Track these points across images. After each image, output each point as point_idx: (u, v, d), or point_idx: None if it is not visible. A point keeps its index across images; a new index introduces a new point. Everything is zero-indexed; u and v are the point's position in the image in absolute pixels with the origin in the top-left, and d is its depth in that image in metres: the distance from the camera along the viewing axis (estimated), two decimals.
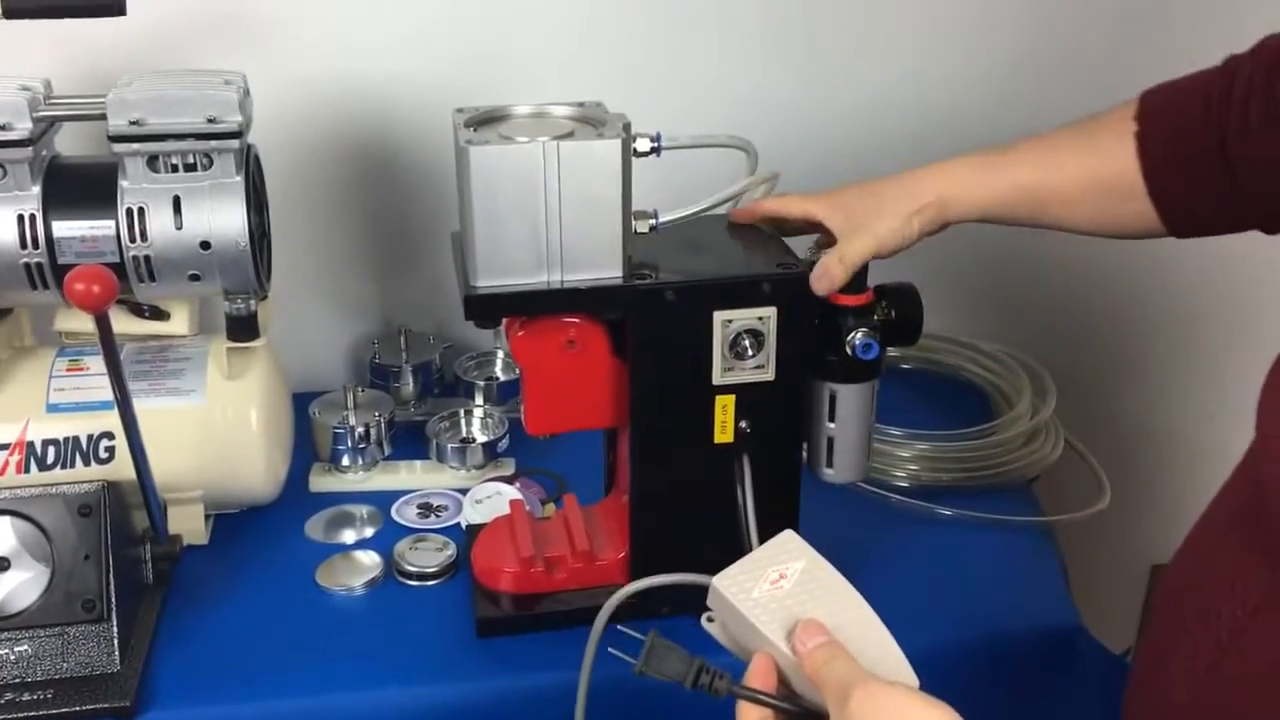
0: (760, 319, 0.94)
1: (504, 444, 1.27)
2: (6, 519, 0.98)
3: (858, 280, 0.96)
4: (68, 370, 1.10)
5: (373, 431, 1.23)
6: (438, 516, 1.19)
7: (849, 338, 0.96)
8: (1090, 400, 1.50)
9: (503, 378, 1.38)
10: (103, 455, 1.07)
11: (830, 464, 1.01)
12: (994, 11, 1.41)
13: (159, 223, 1.03)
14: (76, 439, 1.07)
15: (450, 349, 1.40)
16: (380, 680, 0.98)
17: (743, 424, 0.97)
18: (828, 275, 0.94)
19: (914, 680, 0.71)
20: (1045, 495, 1.25)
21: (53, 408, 1.08)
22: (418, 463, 1.26)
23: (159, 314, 1.14)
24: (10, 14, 1.05)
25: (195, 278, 1.05)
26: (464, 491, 1.22)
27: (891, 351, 1.27)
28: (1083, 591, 1.13)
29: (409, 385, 1.35)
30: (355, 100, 1.34)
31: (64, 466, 1.07)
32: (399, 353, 1.36)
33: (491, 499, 1.21)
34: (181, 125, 1.02)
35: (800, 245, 1.01)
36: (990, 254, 1.47)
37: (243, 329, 1.10)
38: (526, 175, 0.89)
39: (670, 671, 0.73)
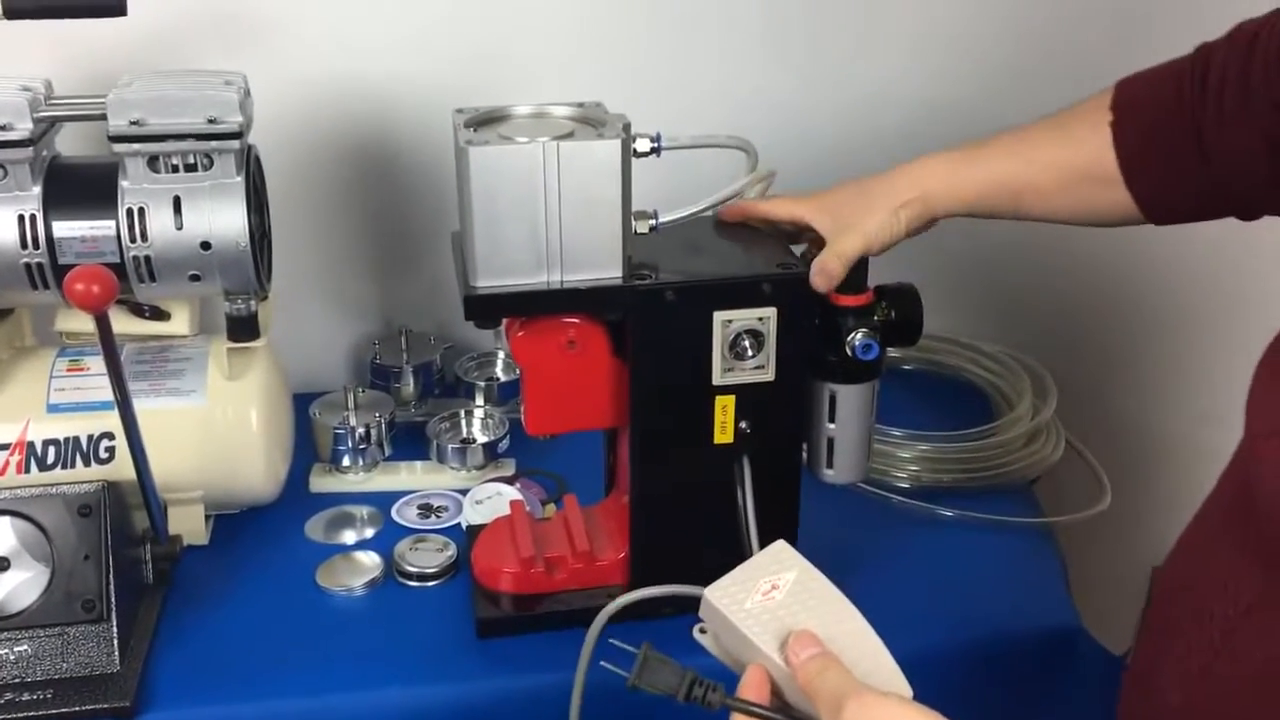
0: (760, 319, 0.94)
1: (504, 444, 1.27)
2: (6, 519, 0.98)
3: (857, 280, 0.96)
4: (68, 370, 1.10)
5: (373, 432, 1.23)
6: (438, 517, 1.19)
7: (849, 338, 0.96)
8: (1091, 401, 1.50)
9: (503, 378, 1.38)
10: (103, 455, 1.07)
11: (830, 465, 1.01)
12: (991, 10, 1.41)
13: (159, 223, 1.03)
14: (77, 439, 1.07)
15: (451, 349, 1.40)
16: (380, 681, 0.98)
17: (743, 424, 0.97)
18: (825, 272, 0.94)
19: (908, 691, 0.70)
20: (1046, 496, 1.25)
21: (53, 408, 1.08)
22: (418, 463, 1.26)
23: (159, 314, 1.14)
24: (11, 14, 1.05)
25: (195, 278, 1.05)
26: (464, 492, 1.22)
27: (892, 352, 1.27)
28: (1083, 592, 1.13)
29: (409, 386, 1.35)
30: (356, 101, 1.34)
31: (64, 466, 1.07)
32: (399, 353, 1.36)
33: (492, 500, 1.21)
34: (182, 125, 1.02)
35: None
36: (991, 255, 1.47)
37: (243, 329, 1.10)
38: (526, 175, 0.89)
39: (663, 685, 0.73)
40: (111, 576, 0.98)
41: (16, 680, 0.95)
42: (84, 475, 1.05)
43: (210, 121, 1.02)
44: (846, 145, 1.41)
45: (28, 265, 1.03)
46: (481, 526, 1.11)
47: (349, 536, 1.16)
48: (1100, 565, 1.39)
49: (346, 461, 1.23)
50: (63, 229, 1.02)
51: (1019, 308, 1.55)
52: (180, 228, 1.04)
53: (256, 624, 1.04)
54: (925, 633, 1.04)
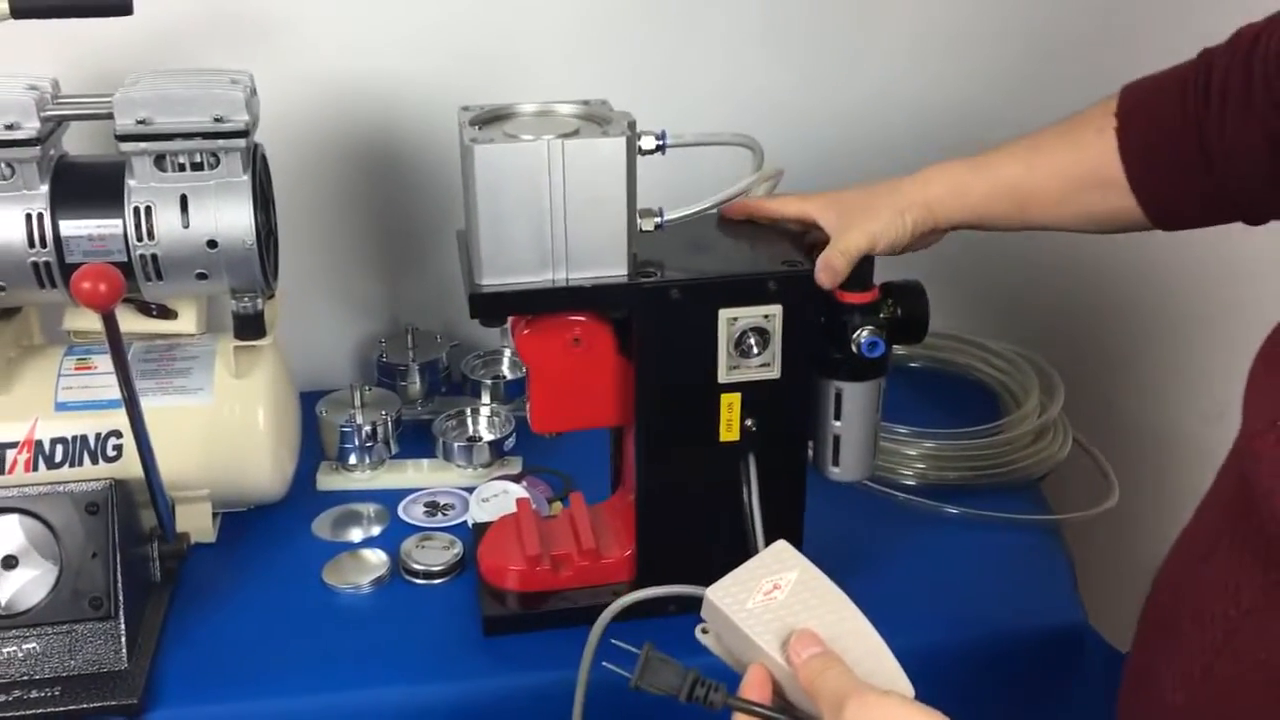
0: (766, 317, 0.94)
1: (511, 442, 1.27)
2: (15, 517, 0.98)
3: (863, 278, 0.96)
4: (76, 369, 1.10)
5: (380, 430, 1.24)
6: (444, 515, 1.19)
7: (855, 335, 0.96)
8: (1098, 399, 1.49)
9: (510, 376, 1.38)
10: (110, 453, 1.08)
11: (836, 462, 1.01)
12: (993, 10, 1.41)
13: (166, 221, 1.04)
14: (84, 437, 1.08)
15: (457, 347, 1.41)
16: (387, 678, 0.98)
17: (748, 422, 0.97)
18: (830, 268, 0.94)
19: (909, 690, 0.70)
20: (1053, 494, 1.25)
21: (61, 406, 1.08)
22: (424, 461, 1.27)
23: (166, 313, 1.14)
24: (18, 14, 1.05)
25: (202, 276, 1.06)
26: (471, 490, 1.22)
27: (898, 349, 1.27)
28: (1090, 590, 1.13)
29: (416, 384, 1.35)
30: (361, 99, 1.34)
31: (72, 465, 1.07)
32: (406, 351, 1.36)
33: (498, 497, 1.21)
34: (188, 124, 1.02)
35: None
36: (998, 252, 1.47)
37: (250, 328, 1.10)
38: (531, 173, 0.89)
39: (665, 685, 0.73)
40: (119, 574, 0.98)
41: (24, 678, 0.96)
42: (92, 473, 1.06)
43: (216, 120, 1.02)
44: (848, 147, 1.41)
45: (35, 264, 1.03)
46: (488, 524, 1.11)
47: (356, 534, 1.16)
48: (1108, 563, 1.39)
49: (353, 459, 1.24)
50: (70, 228, 1.03)
51: (1025, 305, 1.55)
52: (187, 226, 1.04)
53: (263, 621, 1.04)
54: (932, 631, 1.04)
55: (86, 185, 1.04)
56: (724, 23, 1.37)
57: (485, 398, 1.35)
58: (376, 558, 1.12)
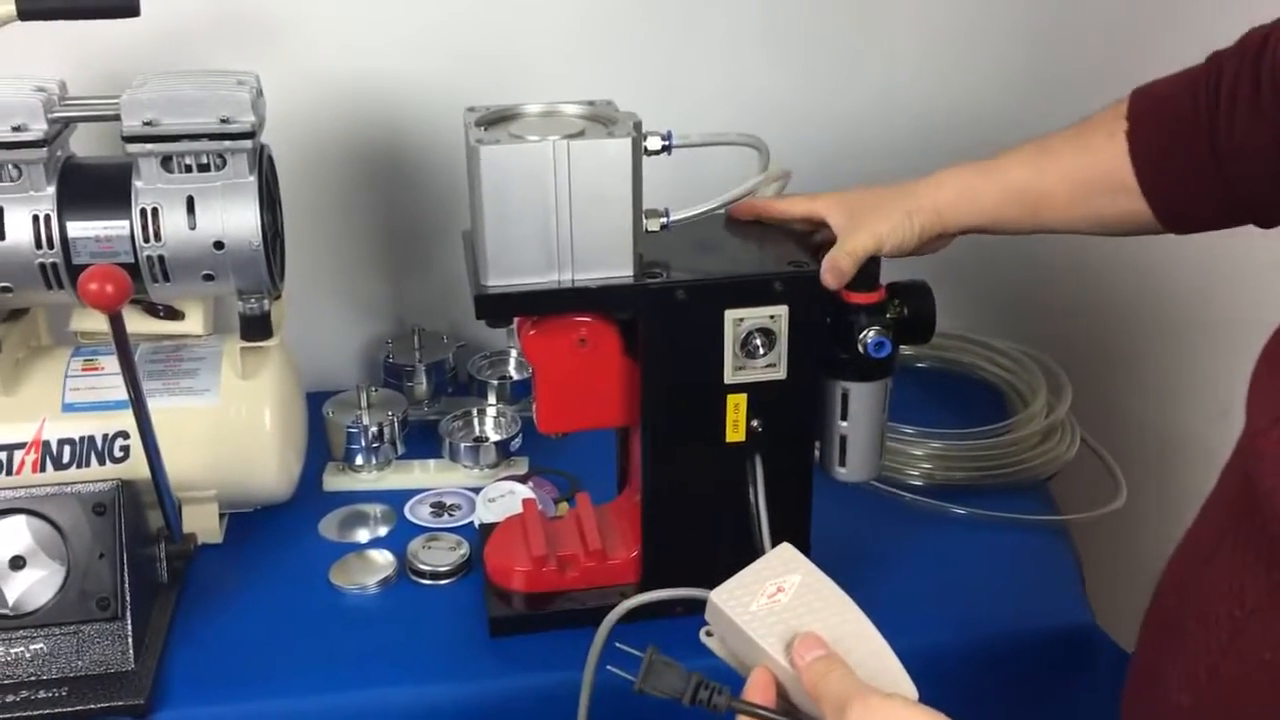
0: (772, 317, 0.94)
1: (517, 443, 1.27)
2: (22, 518, 0.98)
3: (870, 278, 0.96)
4: (83, 370, 1.10)
5: (386, 431, 1.24)
6: (451, 515, 1.19)
7: (861, 336, 0.96)
8: (1106, 399, 1.49)
9: (516, 377, 1.38)
10: (118, 454, 1.08)
11: (843, 463, 1.01)
12: (997, 11, 1.41)
13: (173, 223, 1.04)
14: (92, 438, 1.08)
15: (463, 348, 1.41)
16: (393, 679, 0.98)
17: (754, 423, 0.97)
18: (835, 268, 0.94)
19: (913, 692, 0.70)
20: (1061, 494, 1.24)
21: (68, 407, 1.09)
22: (431, 462, 1.27)
23: (173, 314, 1.15)
24: (25, 15, 1.06)
25: (209, 277, 1.06)
26: (477, 490, 1.22)
27: (905, 349, 1.27)
28: (1098, 591, 1.13)
29: (422, 384, 1.35)
30: (368, 100, 1.34)
31: (79, 465, 1.07)
32: (412, 352, 1.37)
33: (505, 498, 1.21)
34: (195, 126, 1.02)
35: None
36: (1005, 252, 1.46)
37: (256, 328, 1.10)
38: (536, 174, 0.89)
39: (668, 688, 0.74)
40: (126, 575, 0.98)
41: (32, 678, 0.96)
42: (99, 474, 1.06)
43: (223, 121, 1.02)
44: (850, 149, 1.41)
45: (43, 265, 1.03)
46: (494, 525, 1.11)
47: (362, 535, 1.17)
48: (1116, 563, 1.39)
49: (360, 460, 1.24)
50: (77, 229, 1.03)
51: (1032, 305, 1.54)
52: (193, 227, 1.04)
53: (270, 622, 1.04)
54: (940, 631, 1.04)
55: (93, 186, 1.04)
56: (724, 23, 1.37)
57: (491, 398, 1.35)
58: (383, 558, 1.12)
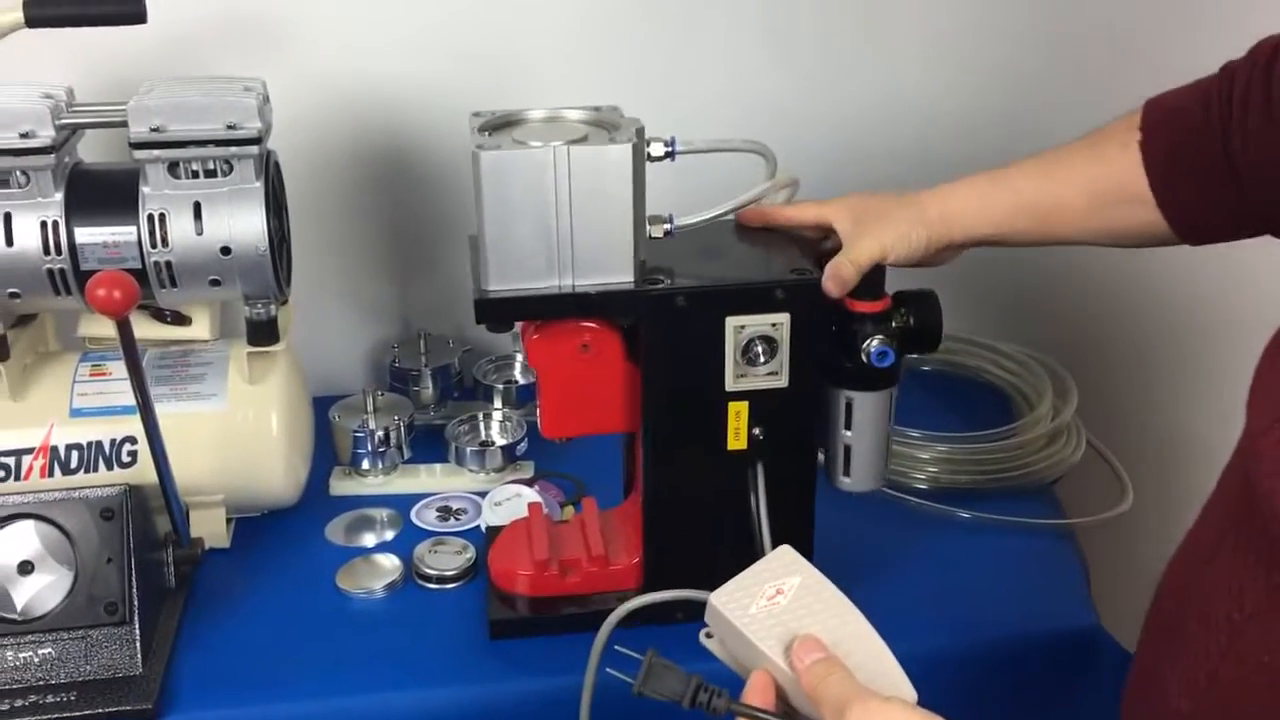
0: (773, 325, 0.94)
1: (523, 447, 1.27)
2: (30, 523, 0.99)
3: (874, 286, 0.96)
4: (91, 375, 1.11)
5: (392, 435, 1.24)
6: (457, 519, 1.20)
7: (864, 345, 0.95)
8: (1112, 402, 1.48)
9: (522, 381, 1.38)
10: (125, 459, 1.09)
11: (847, 472, 1.01)
12: (1000, 15, 1.40)
13: (180, 228, 1.04)
14: (99, 443, 1.08)
15: (470, 352, 1.41)
16: (400, 683, 0.99)
17: (756, 431, 0.96)
18: (838, 276, 0.94)
19: (912, 695, 0.70)
20: (1067, 497, 1.24)
21: (76, 412, 1.09)
22: (437, 466, 1.27)
23: (180, 319, 1.15)
24: (32, 23, 1.06)
25: (216, 283, 1.06)
26: (483, 494, 1.23)
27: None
28: (1104, 594, 1.12)
29: (428, 389, 1.36)
30: (374, 105, 1.34)
31: (87, 470, 1.08)
32: (418, 356, 1.37)
33: (511, 502, 1.21)
34: (201, 132, 1.03)
35: None
36: (1011, 254, 1.44)
37: (263, 333, 1.11)
38: (538, 179, 0.89)
39: (668, 691, 0.74)
40: (134, 579, 0.99)
41: (40, 683, 0.97)
42: (106, 479, 1.07)
43: (230, 127, 1.03)
44: (855, 151, 1.40)
45: (50, 271, 1.04)
46: (500, 529, 1.12)
47: (369, 539, 1.17)
48: (1122, 567, 1.38)
49: (366, 464, 1.24)
50: (85, 235, 1.03)
51: (1038, 308, 1.54)
52: (200, 233, 1.04)
53: (277, 626, 1.05)
54: (945, 635, 1.04)
55: (101, 193, 1.05)
56: (725, 25, 1.37)
57: (497, 402, 1.35)
58: (389, 562, 1.12)
